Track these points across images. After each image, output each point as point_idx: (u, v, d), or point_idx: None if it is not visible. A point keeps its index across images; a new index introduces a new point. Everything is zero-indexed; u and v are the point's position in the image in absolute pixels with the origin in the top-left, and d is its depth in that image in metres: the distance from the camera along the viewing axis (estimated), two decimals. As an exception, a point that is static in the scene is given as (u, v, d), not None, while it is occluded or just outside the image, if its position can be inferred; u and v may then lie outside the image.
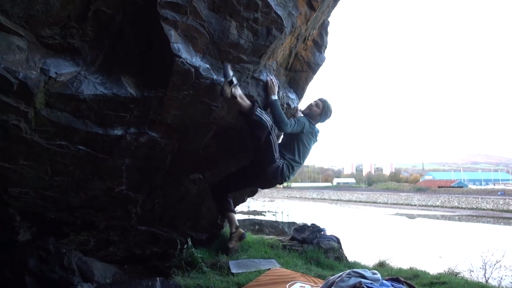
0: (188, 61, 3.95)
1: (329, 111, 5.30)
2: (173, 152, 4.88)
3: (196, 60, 4.04)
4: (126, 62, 3.89)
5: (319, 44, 5.49)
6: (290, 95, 5.36)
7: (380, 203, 62.29)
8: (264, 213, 33.56)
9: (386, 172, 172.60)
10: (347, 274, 4.31)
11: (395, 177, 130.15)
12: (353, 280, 4.15)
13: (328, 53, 5.67)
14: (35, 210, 4.71)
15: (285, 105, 5.25)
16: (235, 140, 5.20)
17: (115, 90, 3.88)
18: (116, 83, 3.91)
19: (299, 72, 5.39)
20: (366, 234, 24.25)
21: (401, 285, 4.37)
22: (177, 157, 5.00)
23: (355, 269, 4.48)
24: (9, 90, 3.30)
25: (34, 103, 3.54)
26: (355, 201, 66.86)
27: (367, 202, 64.42)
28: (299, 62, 5.31)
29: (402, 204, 58.76)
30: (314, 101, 5.34)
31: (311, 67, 5.45)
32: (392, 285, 4.29)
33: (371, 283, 4.07)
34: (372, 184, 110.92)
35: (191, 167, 5.30)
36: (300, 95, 5.57)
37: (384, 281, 4.33)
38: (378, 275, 4.36)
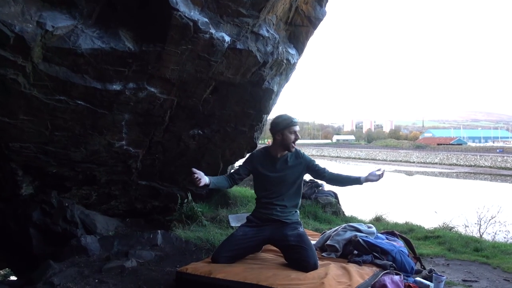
0: (186, 15, 3.88)
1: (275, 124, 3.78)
2: (172, 107, 4.89)
3: (195, 14, 3.97)
4: (123, 15, 3.83)
5: (321, -2, 5.38)
6: (290, 50, 5.31)
7: (379, 160, 62.64)
8: (263, 169, 33.64)
9: (386, 129, 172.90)
10: (342, 228, 4.41)
11: (395, 134, 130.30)
12: (349, 234, 4.26)
13: (329, 7, 5.56)
14: (36, 165, 4.77)
15: (284, 61, 5.21)
16: (234, 95, 5.19)
17: (113, 44, 3.84)
18: (113, 37, 3.86)
19: (300, 26, 5.31)
20: (364, 190, 24.50)
21: (395, 238, 4.48)
22: (177, 113, 5.02)
23: (350, 223, 4.59)
24: (5, 44, 3.27)
25: (31, 57, 3.51)
26: (354, 158, 67.24)
27: (366, 159, 64.77)
28: (300, 16, 5.22)
29: (401, 161, 59.11)
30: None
31: (312, 22, 5.36)
32: (387, 238, 4.40)
33: (366, 236, 4.17)
34: (372, 141, 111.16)
35: (191, 123, 5.31)
36: (300, 51, 5.51)
37: (379, 235, 4.44)
38: (374, 229, 4.47)
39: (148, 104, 4.61)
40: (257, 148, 4.13)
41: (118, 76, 4.13)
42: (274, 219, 3.77)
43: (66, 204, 5.16)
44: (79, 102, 4.12)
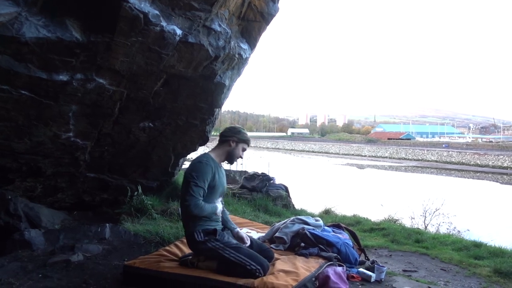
0: (136, 6, 3.81)
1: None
2: (122, 99, 4.81)
3: (145, 6, 3.91)
4: (71, 4, 3.71)
5: (273, -6, 5.41)
6: (242, 45, 5.32)
7: (332, 153, 64.06)
8: (218, 162, 33.61)
9: (340, 123, 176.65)
10: (291, 221, 4.53)
11: (348, 128, 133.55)
12: (297, 226, 4.38)
13: (282, 3, 5.60)
14: (-23, 156, 4.58)
15: (236, 55, 5.22)
16: (185, 89, 5.17)
17: (60, 34, 3.72)
18: (60, 26, 3.74)
19: (252, 22, 5.33)
20: (316, 183, 25.04)
21: (341, 231, 4.65)
22: (126, 105, 4.94)
23: (299, 216, 4.72)
24: None
25: (-30, 45, 3.37)
26: (308, 151, 68.39)
27: (320, 152, 66.08)
28: (252, 12, 5.24)
29: (353, 154, 60.69)
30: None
31: (265, 17, 5.39)
32: (333, 231, 4.55)
33: (313, 229, 4.31)
34: (326, 134, 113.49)
35: (141, 115, 5.25)
36: (252, 46, 5.54)
37: (326, 227, 4.59)
38: (321, 222, 4.62)
39: (97, 95, 4.52)
40: (199, 156, 3.62)
41: (65, 66, 4.01)
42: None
43: (9, 197, 4.98)
44: (23, 92, 3.98)
